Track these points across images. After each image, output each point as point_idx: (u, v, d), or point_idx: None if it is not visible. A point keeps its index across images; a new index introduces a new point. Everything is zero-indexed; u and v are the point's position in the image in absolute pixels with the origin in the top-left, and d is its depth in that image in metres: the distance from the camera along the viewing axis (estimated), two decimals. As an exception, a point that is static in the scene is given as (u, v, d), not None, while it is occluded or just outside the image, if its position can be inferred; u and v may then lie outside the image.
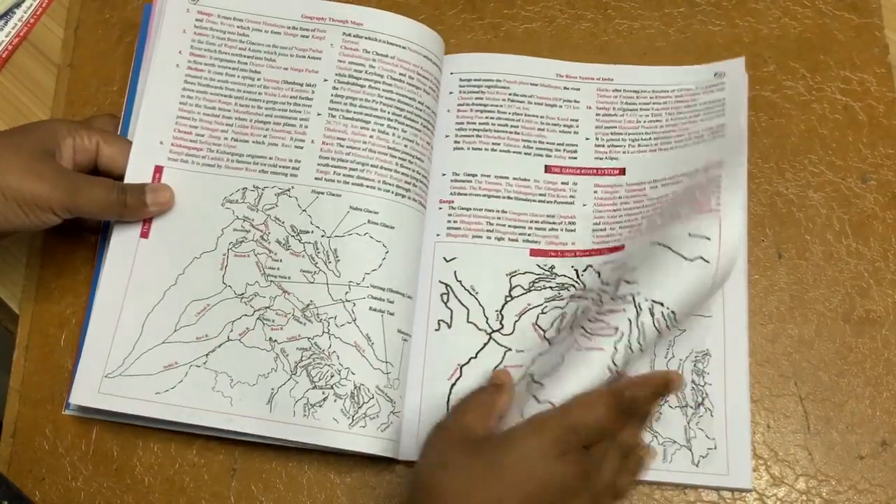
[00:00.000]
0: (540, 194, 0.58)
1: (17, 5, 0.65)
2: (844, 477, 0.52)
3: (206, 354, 0.52)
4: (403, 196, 0.55)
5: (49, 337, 0.55)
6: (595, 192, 0.58)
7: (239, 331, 0.53)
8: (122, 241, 0.54)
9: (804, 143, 0.59)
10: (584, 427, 0.44)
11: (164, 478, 0.53)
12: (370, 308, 0.52)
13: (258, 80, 0.57)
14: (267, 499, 0.52)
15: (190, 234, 0.54)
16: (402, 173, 0.55)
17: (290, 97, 0.57)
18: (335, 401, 0.51)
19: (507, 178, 0.58)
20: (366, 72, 0.57)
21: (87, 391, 0.52)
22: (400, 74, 0.57)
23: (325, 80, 0.57)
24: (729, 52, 0.61)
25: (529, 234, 0.57)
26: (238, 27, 0.58)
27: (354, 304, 0.52)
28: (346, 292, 0.53)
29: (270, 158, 0.56)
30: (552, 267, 0.56)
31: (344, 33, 0.58)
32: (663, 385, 0.46)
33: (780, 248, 0.57)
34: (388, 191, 0.55)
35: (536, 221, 0.57)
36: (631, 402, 0.45)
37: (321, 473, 0.53)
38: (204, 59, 0.57)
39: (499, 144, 0.59)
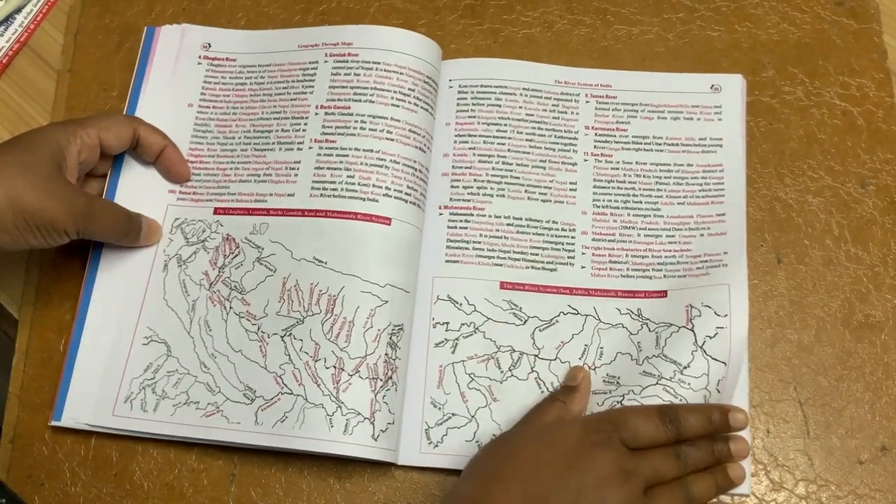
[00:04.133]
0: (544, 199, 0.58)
1: (18, 11, 0.65)
2: (844, 482, 0.52)
3: (200, 366, 0.53)
4: (406, 200, 0.55)
5: (49, 342, 0.55)
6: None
7: (232, 341, 0.53)
8: (112, 261, 0.56)
9: (803, 149, 0.59)
10: (630, 430, 0.46)
11: (163, 483, 0.52)
12: (369, 312, 0.53)
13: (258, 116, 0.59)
14: (266, 504, 0.52)
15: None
16: (407, 181, 0.56)
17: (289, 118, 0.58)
18: (332, 407, 0.51)
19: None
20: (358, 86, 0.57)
21: (78, 409, 0.53)
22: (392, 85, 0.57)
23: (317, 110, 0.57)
24: (728, 57, 0.61)
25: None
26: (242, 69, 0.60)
27: (355, 309, 0.52)
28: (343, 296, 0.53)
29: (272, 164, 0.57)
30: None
31: (332, 54, 0.58)
32: (719, 413, 0.48)
33: (779, 253, 0.57)
34: (389, 195, 0.55)
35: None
36: (681, 424, 0.47)
37: (320, 479, 0.52)
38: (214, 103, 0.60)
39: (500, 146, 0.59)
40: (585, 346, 0.54)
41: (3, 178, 0.47)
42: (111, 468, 0.53)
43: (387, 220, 0.54)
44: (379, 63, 0.57)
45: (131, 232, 0.54)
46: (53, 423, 0.53)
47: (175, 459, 0.53)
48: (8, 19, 0.65)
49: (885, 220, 0.57)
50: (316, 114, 0.57)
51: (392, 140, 0.56)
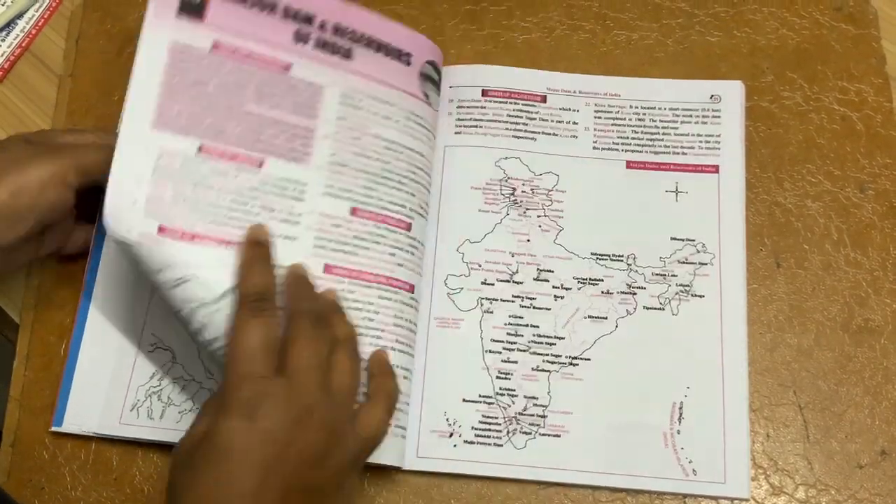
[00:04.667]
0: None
1: (20, 16, 0.65)
2: (844, 486, 0.52)
3: (205, 372, 0.53)
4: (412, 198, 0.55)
5: (49, 346, 0.55)
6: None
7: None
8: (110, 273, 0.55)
9: (802, 153, 0.59)
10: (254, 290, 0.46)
11: (163, 487, 0.52)
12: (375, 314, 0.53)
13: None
14: (266, 508, 0.52)
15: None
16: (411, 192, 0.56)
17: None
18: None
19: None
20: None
21: (81, 416, 0.53)
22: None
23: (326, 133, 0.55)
24: (727, 62, 0.62)
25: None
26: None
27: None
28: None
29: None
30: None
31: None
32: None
33: (778, 258, 0.57)
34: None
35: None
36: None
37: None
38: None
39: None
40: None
41: None
42: (111, 472, 0.53)
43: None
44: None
45: None
46: (54, 428, 0.53)
47: (175, 463, 0.53)
48: (10, 24, 0.65)
49: (885, 224, 0.57)
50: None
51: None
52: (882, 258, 0.57)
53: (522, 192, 0.58)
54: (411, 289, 0.54)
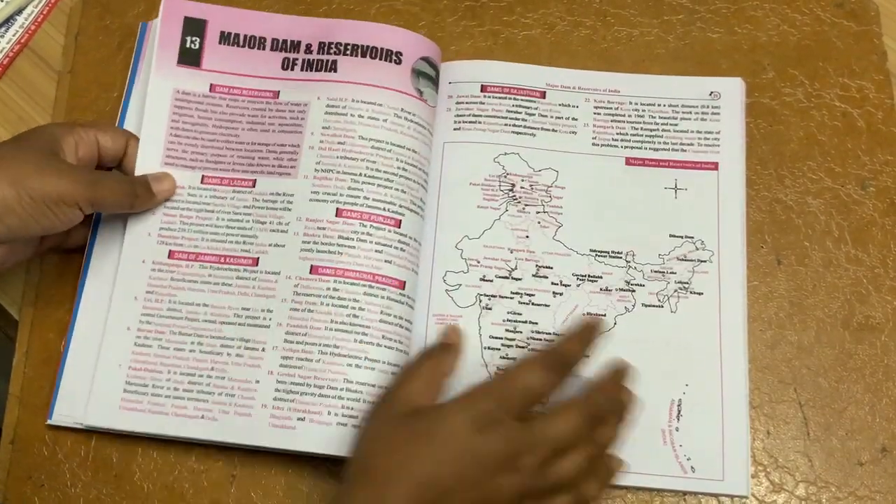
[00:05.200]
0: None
1: (18, 12, 0.65)
2: (844, 483, 0.52)
3: (196, 363, 0.53)
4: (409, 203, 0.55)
5: (49, 343, 0.55)
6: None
7: (226, 342, 0.53)
8: (105, 256, 0.56)
9: (803, 150, 0.59)
10: (518, 394, 0.44)
11: (163, 484, 0.53)
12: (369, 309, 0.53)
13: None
14: (266, 505, 0.52)
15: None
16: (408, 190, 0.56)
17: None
18: (335, 407, 0.51)
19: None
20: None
21: (72, 408, 0.53)
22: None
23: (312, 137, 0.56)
24: (728, 59, 0.62)
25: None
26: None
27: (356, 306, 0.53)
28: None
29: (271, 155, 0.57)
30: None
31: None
32: (587, 329, 0.46)
33: (779, 255, 0.57)
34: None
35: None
36: (563, 357, 0.45)
37: (321, 480, 0.52)
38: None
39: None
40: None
41: (3, 165, 0.48)
42: (111, 469, 0.53)
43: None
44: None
45: (140, 194, 0.53)
46: (48, 422, 0.53)
47: (175, 461, 0.53)
48: (8, 21, 0.65)
49: (885, 221, 0.57)
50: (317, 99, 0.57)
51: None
52: (883, 255, 0.57)
53: (521, 188, 0.58)
54: (401, 285, 0.54)
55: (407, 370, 0.49)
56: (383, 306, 0.53)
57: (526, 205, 0.58)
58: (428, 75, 0.58)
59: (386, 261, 0.53)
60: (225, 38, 0.59)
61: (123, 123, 0.59)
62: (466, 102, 0.60)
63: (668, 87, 0.60)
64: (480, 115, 0.60)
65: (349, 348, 0.51)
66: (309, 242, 0.54)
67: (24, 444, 0.53)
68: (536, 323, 0.55)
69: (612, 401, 0.47)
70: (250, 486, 0.52)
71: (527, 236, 0.57)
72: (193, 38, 0.58)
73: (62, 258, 0.57)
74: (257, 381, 0.52)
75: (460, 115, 0.60)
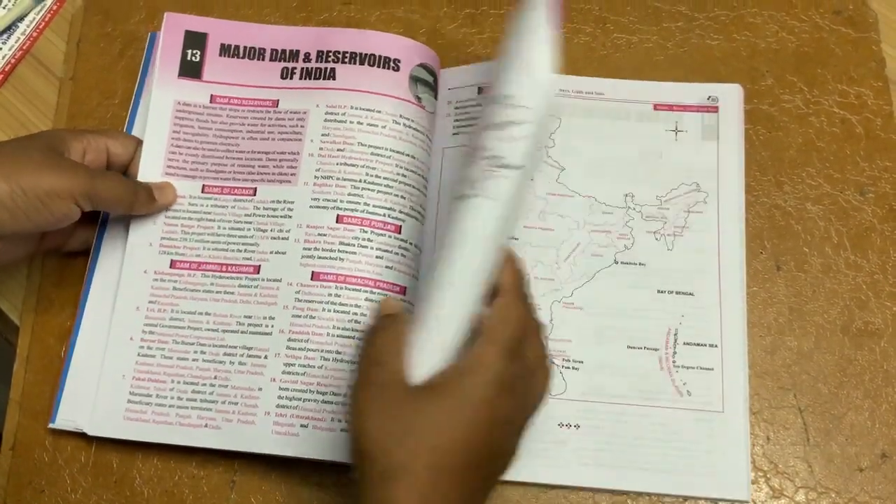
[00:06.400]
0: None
1: (21, 19, 0.65)
2: (844, 489, 0.52)
3: (199, 372, 0.53)
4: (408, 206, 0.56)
5: (49, 348, 0.55)
6: None
7: (228, 350, 0.53)
8: (110, 263, 0.56)
9: (802, 156, 0.59)
10: (516, 343, 0.43)
11: (163, 490, 0.52)
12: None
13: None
14: (266, 511, 0.52)
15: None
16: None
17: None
18: (338, 413, 0.51)
19: None
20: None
21: (76, 413, 0.53)
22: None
23: (311, 142, 0.57)
24: (727, 66, 0.62)
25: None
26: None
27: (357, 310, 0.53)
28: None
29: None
30: None
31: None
32: (511, 258, 0.45)
33: (778, 261, 0.57)
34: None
35: None
36: (520, 283, 0.45)
37: (322, 486, 0.52)
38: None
39: None
40: None
41: (0, 161, 0.48)
42: (111, 475, 0.53)
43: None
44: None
45: (139, 199, 0.54)
46: (50, 425, 0.53)
47: (175, 466, 0.53)
48: (10, 27, 0.65)
49: (884, 227, 0.57)
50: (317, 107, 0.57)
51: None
52: (882, 261, 0.57)
53: None
54: (402, 291, 0.54)
55: (372, 346, 0.45)
56: None
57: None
58: (426, 81, 0.58)
59: (387, 266, 0.54)
60: (225, 49, 0.59)
61: (131, 131, 0.59)
62: (465, 107, 0.60)
63: (666, 93, 0.60)
64: (478, 118, 0.60)
65: (351, 354, 0.51)
66: (310, 249, 0.54)
67: (24, 450, 0.53)
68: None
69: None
70: (250, 492, 0.52)
71: (531, 179, 0.57)
72: (194, 52, 0.59)
73: (63, 264, 0.57)
74: (260, 389, 0.52)
75: (459, 121, 0.60)
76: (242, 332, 0.53)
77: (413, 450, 0.40)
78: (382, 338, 0.44)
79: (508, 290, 0.44)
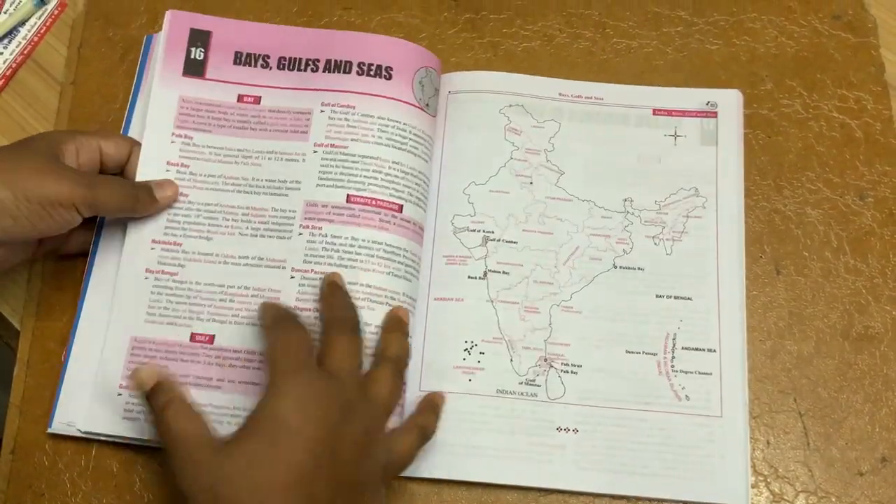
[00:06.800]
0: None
1: (22, 24, 0.66)
2: (844, 493, 0.52)
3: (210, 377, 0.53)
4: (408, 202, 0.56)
5: (49, 353, 0.55)
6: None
7: (229, 346, 0.53)
8: (107, 264, 0.56)
9: (802, 161, 0.60)
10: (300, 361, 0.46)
11: (164, 494, 0.52)
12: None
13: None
14: (266, 515, 0.52)
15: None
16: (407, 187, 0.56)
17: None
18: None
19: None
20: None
21: (74, 416, 0.52)
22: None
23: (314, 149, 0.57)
24: (726, 70, 0.62)
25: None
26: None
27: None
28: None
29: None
30: None
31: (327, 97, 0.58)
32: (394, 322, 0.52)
33: (778, 265, 0.57)
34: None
35: None
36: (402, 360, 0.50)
37: (321, 490, 0.52)
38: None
39: None
40: None
41: (1, 167, 0.48)
42: (112, 479, 0.53)
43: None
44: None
45: (140, 201, 0.54)
46: (48, 430, 0.53)
47: (175, 470, 0.53)
48: (11, 32, 0.65)
49: (884, 231, 0.58)
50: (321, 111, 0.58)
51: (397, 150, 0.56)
52: (882, 265, 0.57)
53: (527, 149, 0.59)
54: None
55: (292, 344, 0.47)
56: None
57: (527, 149, 0.59)
58: (428, 86, 0.59)
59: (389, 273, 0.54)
60: (229, 48, 0.59)
61: (128, 132, 0.59)
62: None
63: (665, 98, 0.61)
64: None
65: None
66: (308, 254, 0.54)
67: (24, 454, 0.53)
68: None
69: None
70: (250, 496, 0.52)
71: (530, 182, 0.58)
72: (199, 49, 0.59)
73: (63, 269, 0.57)
74: (256, 385, 0.52)
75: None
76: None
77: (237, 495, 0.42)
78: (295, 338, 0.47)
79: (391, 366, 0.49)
